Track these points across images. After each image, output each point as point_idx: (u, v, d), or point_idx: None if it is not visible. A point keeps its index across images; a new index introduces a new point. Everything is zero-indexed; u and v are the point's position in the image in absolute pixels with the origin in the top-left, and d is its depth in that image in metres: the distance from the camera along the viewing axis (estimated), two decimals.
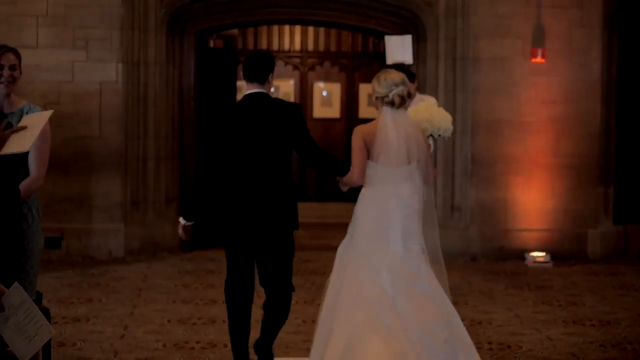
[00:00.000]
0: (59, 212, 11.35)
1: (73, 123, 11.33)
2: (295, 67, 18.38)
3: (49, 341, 5.00)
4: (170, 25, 11.89)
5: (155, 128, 11.82)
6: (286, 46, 18.35)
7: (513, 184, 11.73)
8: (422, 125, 6.50)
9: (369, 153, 6.13)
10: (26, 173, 5.57)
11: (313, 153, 6.52)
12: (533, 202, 11.73)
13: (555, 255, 11.56)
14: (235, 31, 15.98)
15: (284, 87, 18.09)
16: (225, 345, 7.42)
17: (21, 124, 4.96)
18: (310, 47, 18.40)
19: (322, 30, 18.04)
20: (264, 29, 18.02)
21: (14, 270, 5.39)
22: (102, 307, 8.87)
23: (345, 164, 6.36)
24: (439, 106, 10.98)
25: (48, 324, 4.40)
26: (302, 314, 8.45)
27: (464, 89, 11.72)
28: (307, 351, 6.58)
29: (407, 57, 9.36)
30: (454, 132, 11.53)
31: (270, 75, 6.53)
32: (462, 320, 8.34)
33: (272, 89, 6.73)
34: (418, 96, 10.22)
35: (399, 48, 9.39)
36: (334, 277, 6.15)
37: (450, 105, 11.66)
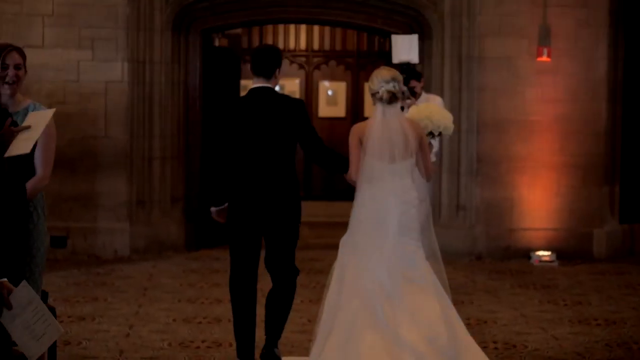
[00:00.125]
0: (65, 211, 11.36)
1: (79, 122, 11.33)
2: (301, 66, 18.38)
3: (55, 340, 5.00)
4: (176, 24, 11.89)
5: (161, 127, 11.83)
6: (292, 45, 18.35)
7: (519, 183, 11.71)
8: (423, 123, 6.56)
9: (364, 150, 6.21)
10: (32, 172, 5.58)
11: (318, 148, 6.63)
12: (539, 201, 11.72)
13: (561, 254, 11.55)
14: (239, 30, 16.00)
15: (289, 86, 18.08)
16: (231, 345, 7.41)
17: (25, 122, 4.96)
18: (316, 46, 18.40)
19: (327, 29, 18.04)
20: (270, 28, 18.03)
21: (20, 269, 5.40)
22: (107, 306, 8.88)
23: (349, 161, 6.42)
24: (444, 105, 11.05)
25: (56, 323, 4.40)
26: (307, 313, 8.45)
27: (469, 88, 11.71)
28: None
29: (413, 57, 9.38)
30: (459, 131, 11.64)
31: (277, 70, 6.63)
32: (467, 319, 8.38)
33: (277, 88, 6.79)
34: (424, 95, 10.21)
35: (405, 47, 9.39)
36: (336, 272, 6.19)
37: (455, 104, 11.66)
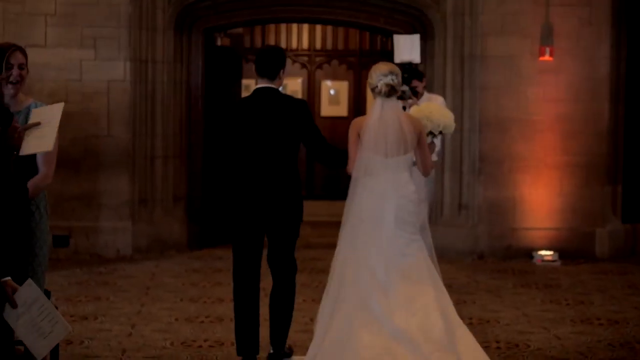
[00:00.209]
0: (67, 210, 11.37)
1: (81, 121, 11.34)
2: (303, 66, 18.38)
3: None
4: (179, 23, 11.90)
5: (163, 126, 11.83)
6: (294, 44, 18.36)
7: (521, 182, 11.71)
8: (422, 123, 6.61)
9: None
10: (35, 171, 5.58)
11: (321, 147, 6.73)
12: (541, 200, 11.72)
13: (563, 254, 11.54)
14: (240, 30, 15.98)
15: (291, 86, 18.09)
16: (233, 344, 7.40)
17: (32, 120, 4.97)
18: (318, 45, 18.41)
19: (329, 28, 18.05)
20: (272, 27, 18.04)
21: (23, 268, 5.40)
22: (109, 305, 8.88)
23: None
24: (447, 105, 11.04)
25: (64, 321, 4.39)
26: (310, 312, 8.43)
27: (471, 87, 11.71)
28: None
29: (415, 56, 9.39)
30: (461, 130, 11.64)
31: (281, 71, 6.72)
32: (470, 318, 8.39)
33: (280, 87, 6.85)
34: (426, 95, 10.21)
35: (407, 47, 9.40)
36: (337, 268, 6.25)
37: (458, 104, 11.66)
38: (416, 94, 9.46)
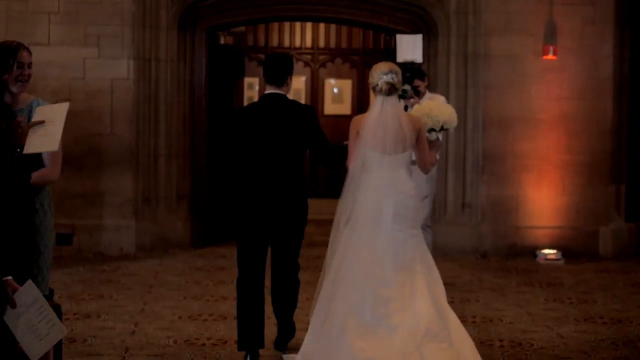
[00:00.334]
0: (71, 208, 11.37)
1: (85, 120, 11.34)
2: (307, 64, 18.37)
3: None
4: (182, 22, 11.90)
5: (167, 125, 11.84)
6: (297, 43, 18.35)
7: (524, 180, 11.70)
8: (423, 120, 6.68)
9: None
10: (38, 166, 5.57)
11: (325, 151, 6.89)
12: (544, 199, 11.71)
13: (567, 252, 11.54)
14: (243, 28, 15.99)
15: (295, 84, 18.01)
16: (236, 342, 7.42)
17: (35, 118, 4.97)
18: (322, 43, 18.40)
19: (333, 27, 18.04)
20: (275, 25, 18.03)
21: (26, 266, 5.40)
22: (113, 303, 8.89)
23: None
24: (449, 104, 11.03)
25: (60, 323, 4.39)
26: None
27: (475, 85, 11.71)
28: None
29: (417, 56, 9.42)
30: (465, 129, 11.64)
31: (289, 78, 6.88)
32: (473, 317, 8.40)
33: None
34: (428, 94, 10.19)
35: (409, 47, 9.43)
36: (335, 262, 6.33)
37: (461, 102, 11.66)
38: (418, 94, 9.46)
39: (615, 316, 8.59)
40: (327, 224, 6.65)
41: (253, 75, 17.80)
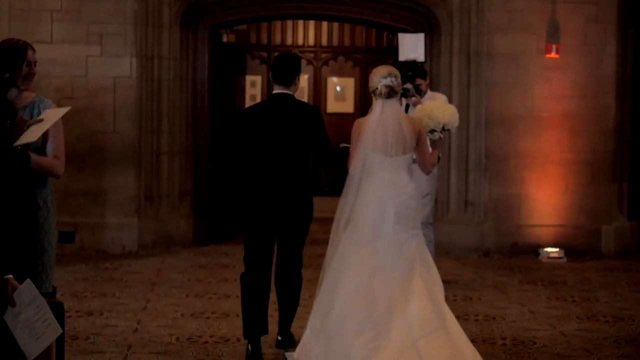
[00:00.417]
0: (73, 206, 11.38)
1: (87, 118, 11.34)
2: (309, 62, 18.36)
3: (63, 335, 5.00)
4: (185, 19, 11.89)
5: (169, 122, 11.84)
6: (300, 41, 18.34)
7: (527, 179, 11.70)
8: (424, 122, 6.76)
9: None
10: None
11: (327, 154, 7.04)
12: (547, 197, 11.71)
13: (569, 251, 11.54)
14: (244, 26, 15.98)
15: None
16: (239, 340, 7.43)
17: (40, 117, 5.00)
18: (324, 42, 18.38)
19: (336, 25, 18.03)
20: (278, 23, 18.01)
21: (31, 263, 5.41)
22: (115, 301, 8.89)
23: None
24: (450, 102, 11.03)
25: (56, 323, 4.39)
26: None
27: (478, 84, 11.70)
28: None
29: (419, 55, 9.42)
30: (467, 127, 11.63)
31: (297, 78, 7.04)
32: (476, 315, 8.40)
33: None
34: (429, 93, 10.18)
35: (411, 45, 9.43)
36: (336, 260, 6.43)
37: (464, 101, 11.66)
38: (420, 92, 9.46)
39: (618, 314, 8.59)
40: (329, 222, 6.68)
41: (255, 73, 17.79)
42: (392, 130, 6.39)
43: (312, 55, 18.36)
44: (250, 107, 7.27)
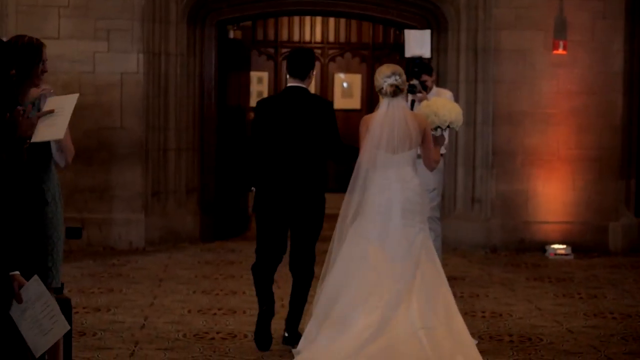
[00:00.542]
0: (80, 202, 11.39)
1: (94, 114, 11.35)
2: (316, 58, 18.27)
3: (70, 331, 5.01)
4: (192, 16, 11.89)
5: (176, 119, 11.84)
6: (307, 37, 18.33)
7: (534, 176, 11.68)
8: (430, 119, 6.89)
9: None
10: (48, 159, 5.58)
11: (336, 148, 7.19)
12: (554, 194, 11.69)
13: (576, 247, 11.52)
14: (249, 22, 15.98)
15: None
16: (245, 336, 7.44)
17: (46, 108, 4.98)
18: (331, 38, 18.38)
19: (343, 21, 18.01)
20: (285, 19, 18.01)
21: (41, 258, 5.42)
22: (122, 297, 8.90)
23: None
24: (459, 98, 11.04)
25: (63, 319, 4.40)
26: None
27: (485, 80, 11.69)
28: None
29: (425, 51, 9.43)
30: (474, 124, 11.63)
31: (311, 72, 7.25)
32: (483, 312, 8.40)
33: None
34: (435, 89, 10.17)
35: (417, 42, 9.44)
36: (342, 254, 6.58)
37: (471, 97, 11.65)
38: (426, 88, 9.45)
39: (625, 311, 8.58)
40: (336, 219, 6.74)
41: (263, 70, 17.79)
42: (398, 127, 6.52)
43: (319, 51, 18.34)
44: (266, 99, 7.52)
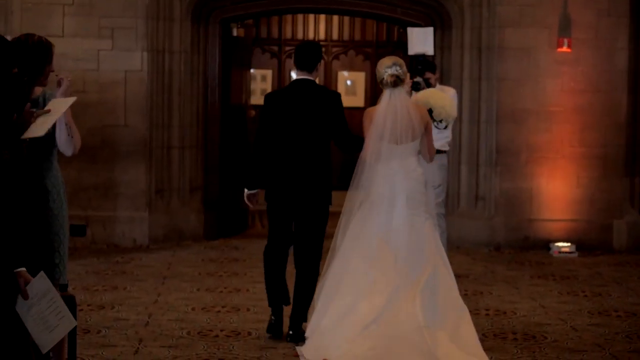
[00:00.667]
0: (84, 200, 11.39)
1: (98, 111, 11.36)
2: None
3: (74, 328, 5.02)
4: (196, 13, 11.89)
5: (180, 116, 11.84)
6: (311, 35, 18.32)
7: (538, 173, 11.68)
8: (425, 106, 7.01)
9: None
10: (49, 154, 5.59)
11: (344, 137, 7.31)
12: (558, 192, 11.68)
13: (581, 245, 11.51)
14: (250, 20, 15.99)
15: None
16: (249, 333, 7.44)
17: (46, 107, 5.00)
18: (335, 35, 18.37)
19: (346, 19, 18.01)
20: (289, 17, 18.01)
21: (48, 255, 5.43)
22: (126, 294, 8.91)
23: None
24: (463, 96, 11.05)
25: (70, 315, 4.40)
26: None
27: (489, 78, 11.68)
28: None
29: (428, 49, 9.45)
30: (478, 122, 11.63)
31: (318, 64, 7.41)
32: (487, 310, 8.40)
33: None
34: (438, 87, 10.19)
35: (420, 39, 9.45)
36: (346, 242, 6.73)
37: (475, 95, 11.64)
38: (429, 86, 9.47)
39: (630, 309, 8.57)
40: (339, 217, 6.77)
41: (267, 67, 17.79)
42: (401, 118, 6.63)
43: (322, 49, 18.30)
44: (274, 92, 7.71)
